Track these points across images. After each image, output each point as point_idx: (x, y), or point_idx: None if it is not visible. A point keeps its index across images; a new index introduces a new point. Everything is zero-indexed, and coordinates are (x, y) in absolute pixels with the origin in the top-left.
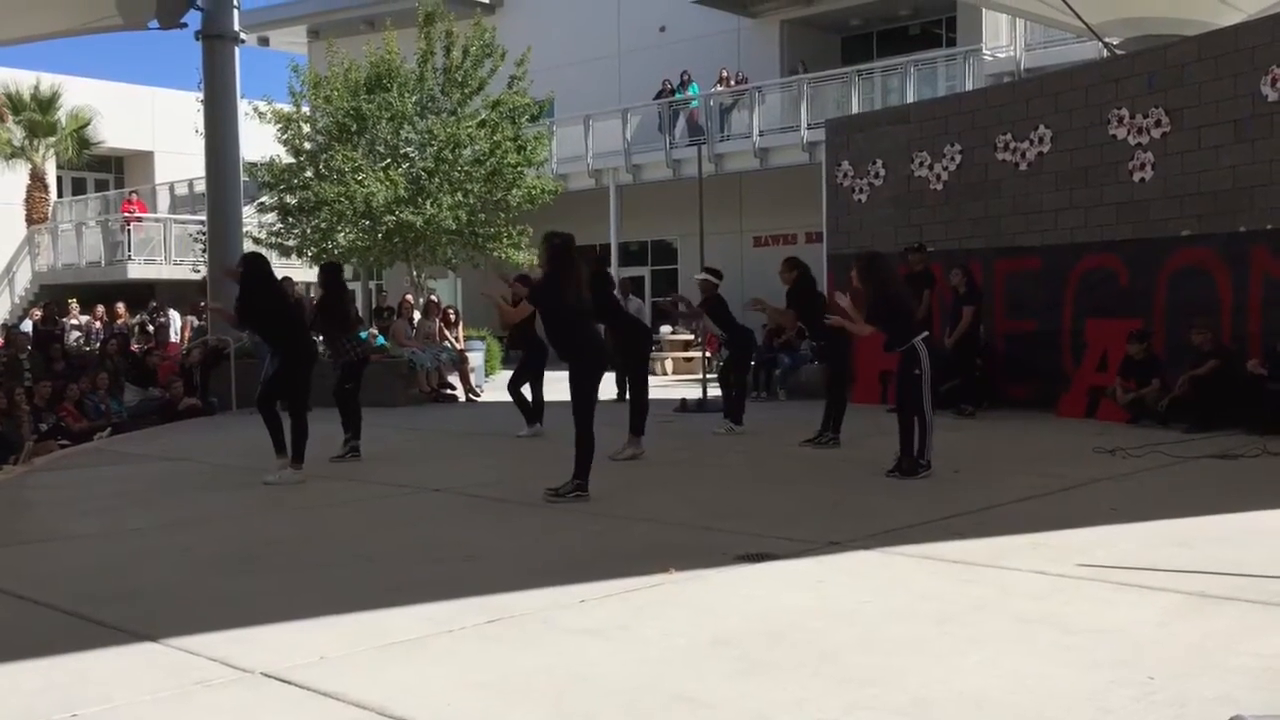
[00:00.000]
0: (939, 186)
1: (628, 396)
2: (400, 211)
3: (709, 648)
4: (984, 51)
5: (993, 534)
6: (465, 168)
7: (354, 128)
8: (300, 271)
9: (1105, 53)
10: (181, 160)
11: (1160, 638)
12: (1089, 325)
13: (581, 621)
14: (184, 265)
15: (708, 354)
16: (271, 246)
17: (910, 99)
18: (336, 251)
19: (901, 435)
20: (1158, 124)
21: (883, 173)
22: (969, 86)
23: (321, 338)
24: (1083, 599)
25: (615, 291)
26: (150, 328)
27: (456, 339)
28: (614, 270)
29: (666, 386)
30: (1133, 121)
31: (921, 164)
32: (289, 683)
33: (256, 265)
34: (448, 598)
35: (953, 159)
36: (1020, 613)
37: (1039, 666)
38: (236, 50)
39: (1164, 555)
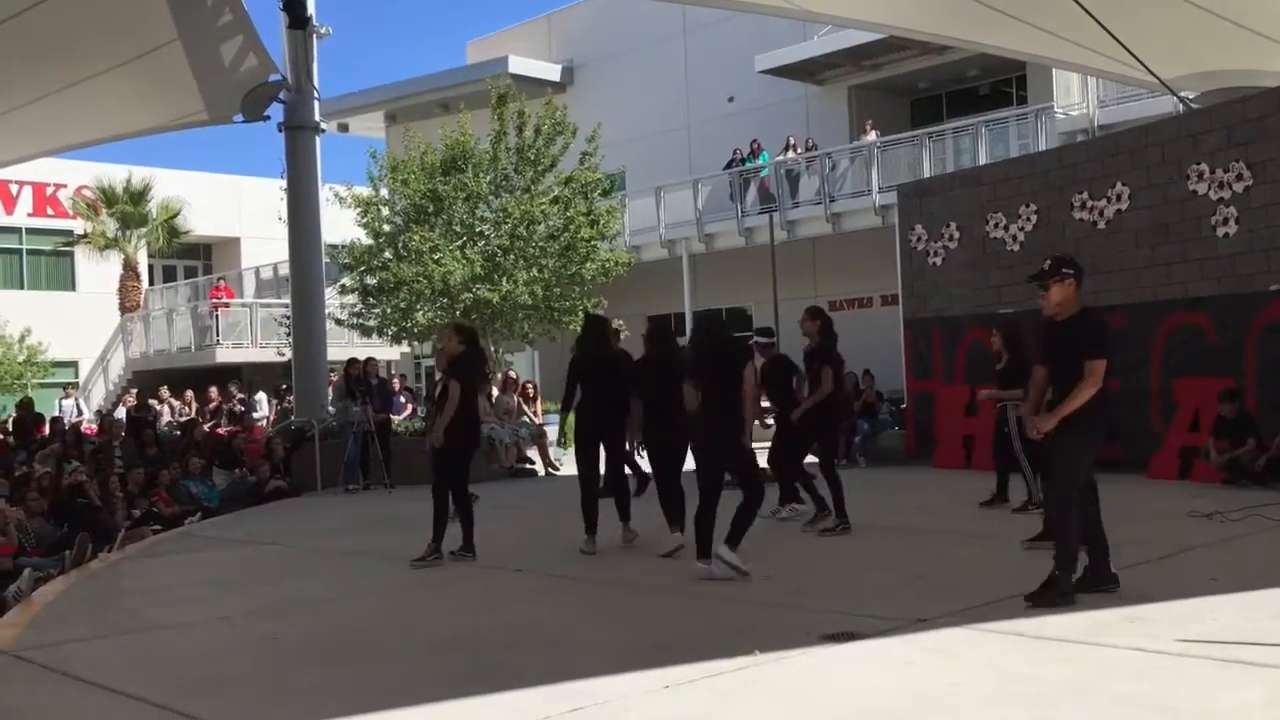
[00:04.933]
0: (1016, 247)
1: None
2: (477, 289)
3: None
4: (1056, 110)
5: (1086, 607)
6: (540, 243)
7: (431, 209)
8: (381, 350)
9: (1181, 107)
10: (266, 245)
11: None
12: (1178, 385)
13: (667, 709)
14: (269, 348)
15: None
16: (353, 327)
17: (982, 160)
18: (415, 330)
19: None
20: (1239, 178)
21: (957, 235)
22: (1042, 145)
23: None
24: (1185, 678)
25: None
26: (238, 409)
27: (535, 413)
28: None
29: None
30: (1213, 176)
31: (997, 225)
32: None
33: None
34: (533, 685)
35: (1029, 219)
36: (1120, 695)
37: None
38: (317, 139)
39: (1269, 628)
